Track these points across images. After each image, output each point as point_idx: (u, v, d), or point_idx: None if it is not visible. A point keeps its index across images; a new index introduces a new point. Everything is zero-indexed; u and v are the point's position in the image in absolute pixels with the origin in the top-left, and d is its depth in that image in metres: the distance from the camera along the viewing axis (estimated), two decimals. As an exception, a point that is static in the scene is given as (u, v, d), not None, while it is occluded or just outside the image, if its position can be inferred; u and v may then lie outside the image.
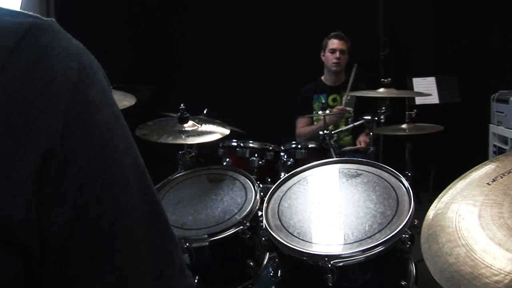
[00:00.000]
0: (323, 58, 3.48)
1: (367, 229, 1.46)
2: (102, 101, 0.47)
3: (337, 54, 3.37)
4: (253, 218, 1.82)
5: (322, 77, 3.55)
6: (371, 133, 2.65)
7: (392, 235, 1.39)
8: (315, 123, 3.45)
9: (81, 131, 0.43)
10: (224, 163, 2.48)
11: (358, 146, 3.15)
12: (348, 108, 3.31)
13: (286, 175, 1.83)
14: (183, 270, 0.52)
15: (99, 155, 0.44)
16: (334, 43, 3.39)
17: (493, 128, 3.69)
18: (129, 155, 0.48)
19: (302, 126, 3.48)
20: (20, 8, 3.63)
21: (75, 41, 0.48)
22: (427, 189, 4.10)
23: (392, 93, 2.55)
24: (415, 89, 4.00)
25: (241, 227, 1.76)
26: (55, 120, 0.41)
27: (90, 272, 0.43)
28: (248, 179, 1.99)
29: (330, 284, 1.38)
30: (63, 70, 0.43)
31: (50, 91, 0.42)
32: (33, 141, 0.40)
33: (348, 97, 3.33)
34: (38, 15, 0.46)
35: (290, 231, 1.53)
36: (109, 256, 0.44)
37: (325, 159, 1.98)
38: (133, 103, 1.97)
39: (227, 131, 2.24)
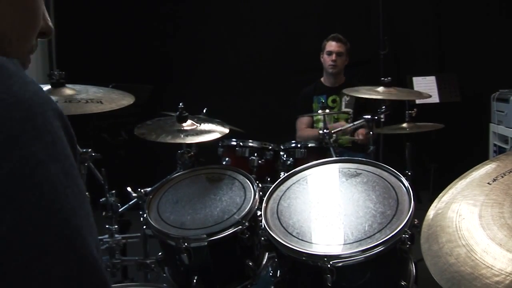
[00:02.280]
0: (321, 59, 3.48)
1: (366, 229, 1.45)
2: (50, 156, 0.44)
3: (334, 56, 3.38)
4: (252, 218, 1.81)
5: (322, 78, 3.55)
6: (371, 133, 2.64)
7: (392, 235, 1.39)
8: (315, 124, 3.45)
9: (12, 191, 0.40)
10: (224, 162, 2.48)
11: (356, 138, 3.13)
12: (349, 110, 3.32)
13: (286, 174, 1.82)
14: None
15: (32, 218, 0.41)
16: (331, 46, 3.40)
17: (494, 127, 3.68)
18: (77, 216, 0.45)
19: (303, 127, 3.48)
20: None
21: (32, 87, 0.45)
22: (427, 188, 4.10)
23: (391, 94, 2.54)
24: (415, 88, 3.99)
25: (240, 227, 1.75)
26: None
27: None
28: (247, 179, 1.98)
29: (329, 284, 1.37)
30: (2, 120, 0.41)
31: None
32: None
33: (348, 98, 3.33)
34: None
35: (289, 231, 1.52)
36: None
37: (325, 158, 1.97)
38: (131, 102, 1.96)
39: (226, 130, 2.24)
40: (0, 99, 0.41)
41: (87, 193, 0.50)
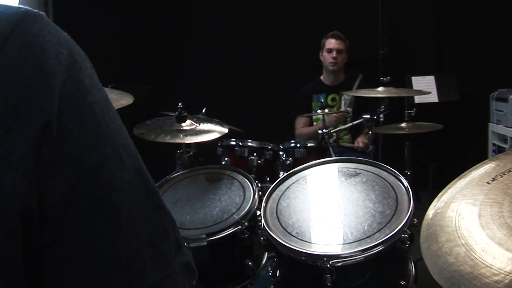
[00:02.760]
0: (321, 57, 3.48)
1: (366, 228, 1.45)
2: (93, 85, 0.49)
3: (334, 53, 3.37)
4: (252, 218, 1.81)
5: (321, 77, 3.55)
6: (370, 132, 2.64)
7: (392, 235, 1.39)
8: (314, 123, 3.45)
9: (74, 108, 0.46)
10: (223, 162, 2.48)
11: (356, 145, 3.14)
12: (347, 109, 3.32)
13: (285, 174, 1.82)
14: (180, 247, 0.54)
15: (93, 131, 0.47)
16: (331, 43, 3.39)
17: (493, 127, 3.68)
18: (121, 135, 0.51)
19: (301, 126, 3.48)
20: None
21: (63, 32, 0.50)
22: (427, 187, 4.10)
23: (391, 92, 2.54)
24: (414, 88, 3.99)
25: (240, 226, 1.75)
26: (50, 96, 0.44)
27: (87, 243, 0.45)
28: (247, 179, 1.98)
29: (329, 284, 1.37)
30: (54, 54, 0.46)
31: (44, 71, 0.45)
32: (32, 117, 0.43)
33: (347, 97, 3.33)
34: (29, 8, 0.49)
35: (289, 230, 1.52)
36: (105, 227, 0.46)
37: (324, 158, 1.97)
38: (131, 102, 1.96)
39: (225, 130, 2.24)
40: (47, 40, 0.46)
41: None
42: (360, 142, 3.13)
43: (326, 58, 3.41)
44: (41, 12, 0.49)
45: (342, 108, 3.39)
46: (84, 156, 0.45)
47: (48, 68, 0.45)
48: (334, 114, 3.18)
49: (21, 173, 0.41)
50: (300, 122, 3.49)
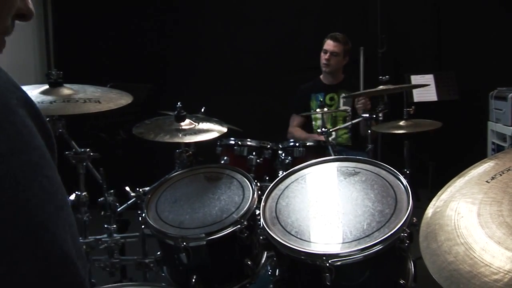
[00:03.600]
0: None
1: (365, 227, 1.45)
2: (12, 149, 0.42)
3: (327, 55, 3.37)
4: (251, 217, 1.81)
5: (321, 76, 3.55)
6: (369, 131, 2.64)
7: (391, 234, 1.38)
8: (313, 122, 3.45)
9: None
10: (222, 161, 2.47)
11: (357, 106, 3.14)
12: (347, 107, 3.32)
13: (284, 173, 1.82)
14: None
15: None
16: (327, 44, 3.40)
17: (492, 126, 3.68)
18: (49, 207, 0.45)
19: (295, 124, 3.49)
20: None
21: (3, 77, 0.44)
22: (426, 186, 4.10)
23: (389, 87, 2.54)
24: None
25: (239, 226, 1.75)
26: None
27: None
28: (246, 178, 1.98)
29: (328, 283, 1.37)
30: None
31: None
32: None
33: (344, 96, 3.34)
34: None
35: (288, 230, 1.52)
36: None
37: (323, 157, 1.97)
38: (130, 102, 1.96)
39: (224, 130, 2.24)
40: None
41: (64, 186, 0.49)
42: (360, 103, 3.12)
43: (321, 58, 3.42)
44: None
45: (341, 108, 3.39)
46: None
47: None
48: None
49: None
50: (295, 120, 3.49)
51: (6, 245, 0.41)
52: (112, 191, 2.18)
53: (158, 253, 1.93)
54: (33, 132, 0.46)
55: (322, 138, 2.58)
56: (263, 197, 1.69)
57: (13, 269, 0.41)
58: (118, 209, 2.20)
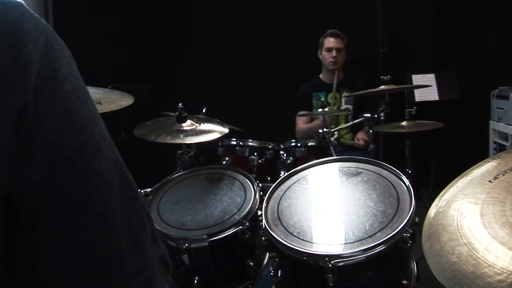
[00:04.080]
0: (320, 56, 3.47)
1: (367, 228, 1.44)
2: (70, 73, 0.49)
3: (334, 53, 3.35)
4: (253, 218, 1.80)
5: (321, 75, 3.54)
6: (370, 131, 2.64)
7: (393, 234, 1.38)
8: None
9: (51, 94, 0.46)
10: (224, 162, 2.47)
11: (356, 142, 3.13)
12: (348, 106, 3.31)
13: (286, 174, 1.81)
14: (156, 239, 0.53)
15: (70, 118, 0.47)
16: (330, 42, 3.37)
17: (493, 125, 3.68)
18: (98, 125, 0.50)
19: (302, 122, 3.48)
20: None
21: (42, 20, 0.50)
22: (427, 186, 4.09)
23: (390, 87, 2.53)
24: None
25: (241, 227, 1.75)
26: (28, 81, 0.44)
27: (63, 231, 0.44)
28: (247, 179, 1.98)
29: (330, 284, 1.36)
30: (32, 41, 0.46)
31: (22, 58, 0.44)
32: (9, 102, 0.42)
33: (346, 96, 3.33)
34: None
35: (290, 230, 1.52)
36: (82, 215, 0.45)
37: (325, 157, 1.96)
38: (131, 103, 1.95)
39: (226, 130, 2.23)
40: (25, 27, 0.46)
41: None
42: (360, 139, 3.12)
43: (326, 57, 3.40)
44: (20, 1, 0.49)
45: (343, 107, 3.39)
46: (60, 143, 0.45)
47: (25, 55, 0.45)
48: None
49: (1, 158, 0.41)
50: (301, 119, 3.48)
51: (78, 144, 0.47)
52: (113, 192, 2.17)
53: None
54: (75, 65, 0.53)
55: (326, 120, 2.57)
56: (265, 198, 1.68)
57: (106, 180, 0.48)
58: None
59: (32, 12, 0.49)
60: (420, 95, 3.96)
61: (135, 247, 0.49)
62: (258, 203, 1.84)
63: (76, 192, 0.45)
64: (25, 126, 0.43)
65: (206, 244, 1.74)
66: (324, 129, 2.55)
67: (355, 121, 2.88)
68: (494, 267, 0.81)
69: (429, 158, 4.21)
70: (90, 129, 0.48)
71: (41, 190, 0.43)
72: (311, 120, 3.46)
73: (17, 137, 0.42)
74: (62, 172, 0.44)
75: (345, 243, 1.42)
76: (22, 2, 0.49)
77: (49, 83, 0.46)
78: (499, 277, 0.79)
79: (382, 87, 2.54)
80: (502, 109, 3.51)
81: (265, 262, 1.91)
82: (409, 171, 2.54)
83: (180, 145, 2.29)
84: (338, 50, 3.36)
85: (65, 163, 0.45)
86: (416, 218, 1.49)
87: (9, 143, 0.42)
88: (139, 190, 1.78)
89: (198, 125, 2.21)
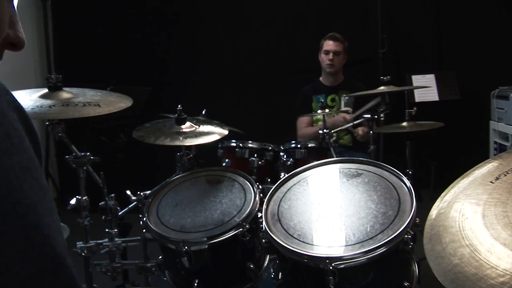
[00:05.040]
0: (319, 58, 3.48)
1: (368, 230, 1.43)
2: (5, 149, 0.43)
3: (331, 56, 3.37)
4: (253, 220, 1.79)
5: (321, 78, 3.55)
6: (371, 132, 2.63)
7: (394, 236, 1.37)
8: (314, 124, 3.44)
9: None
10: (224, 164, 2.47)
11: (355, 134, 3.13)
12: (347, 108, 3.31)
13: (286, 175, 1.80)
14: None
15: None
16: (328, 45, 3.39)
17: (494, 125, 3.67)
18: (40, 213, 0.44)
19: (304, 126, 3.47)
20: (16, 9, 3.60)
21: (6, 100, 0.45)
22: (428, 186, 4.09)
23: (390, 88, 2.53)
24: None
25: (241, 229, 1.74)
26: None
27: None
28: (247, 180, 1.97)
29: (331, 287, 1.36)
30: None
31: None
32: None
33: (347, 98, 3.32)
34: None
35: (290, 233, 1.51)
36: None
37: (325, 158, 1.95)
38: (130, 105, 1.94)
39: (225, 132, 2.22)
40: None
41: (51, 189, 0.49)
42: (359, 130, 3.11)
43: (324, 60, 3.41)
44: None
45: (342, 109, 3.38)
46: None
47: None
48: (339, 116, 3.16)
49: None
50: (303, 122, 3.48)
51: None
52: (113, 195, 2.16)
53: (160, 257, 1.92)
54: (22, 135, 0.46)
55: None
56: (265, 200, 1.67)
57: (5, 270, 0.41)
58: (119, 213, 2.19)
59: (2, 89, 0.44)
60: (420, 96, 3.96)
61: None
62: (258, 205, 1.83)
63: None
64: None
65: (206, 246, 1.73)
66: (324, 130, 2.54)
67: (355, 122, 2.87)
68: (497, 269, 0.81)
69: (430, 158, 4.20)
70: (13, 225, 0.42)
71: None
72: (313, 121, 3.46)
73: None
74: None
75: (346, 245, 1.41)
76: None
77: None
78: (502, 279, 0.79)
79: (382, 88, 2.53)
80: (502, 109, 3.51)
81: (265, 264, 1.90)
82: (410, 172, 2.53)
83: (179, 147, 2.28)
84: (335, 53, 3.37)
85: None
86: (417, 218, 1.48)
87: None
88: (138, 192, 1.75)
89: (197, 127, 2.20)
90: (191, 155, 2.32)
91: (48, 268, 0.45)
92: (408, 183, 1.56)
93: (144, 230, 1.93)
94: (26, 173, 0.44)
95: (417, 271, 1.57)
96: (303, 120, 3.47)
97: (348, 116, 3.15)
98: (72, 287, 0.47)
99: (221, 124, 2.32)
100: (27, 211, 0.43)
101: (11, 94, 0.46)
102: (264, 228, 1.56)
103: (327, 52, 3.39)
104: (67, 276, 0.46)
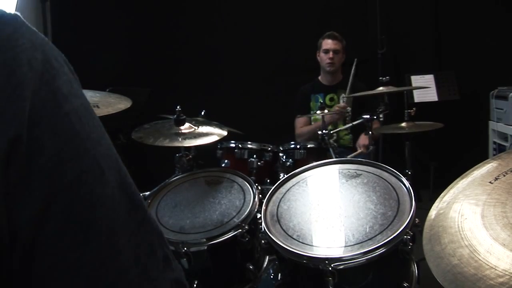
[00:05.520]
0: (318, 58, 3.48)
1: (368, 230, 1.43)
2: (70, 92, 0.46)
3: (331, 54, 3.36)
4: (252, 221, 1.79)
5: (319, 77, 3.54)
6: (370, 132, 2.63)
7: (394, 237, 1.37)
8: (312, 122, 3.44)
9: (49, 119, 0.42)
10: (223, 165, 2.47)
11: (359, 151, 3.12)
12: (347, 108, 3.31)
13: (285, 176, 1.80)
14: (169, 262, 0.50)
15: (70, 144, 0.43)
16: (327, 43, 3.38)
17: (493, 125, 3.67)
18: (102, 146, 0.47)
19: (301, 125, 3.47)
20: (15, 11, 3.61)
21: (40, 35, 0.47)
22: (427, 187, 4.09)
23: (389, 88, 2.53)
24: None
25: (240, 230, 1.74)
26: (21, 106, 0.41)
27: (65, 265, 0.41)
28: (246, 181, 1.97)
29: (331, 287, 1.35)
30: (27, 60, 0.43)
31: (15, 80, 0.41)
32: (1, 129, 0.39)
33: (345, 98, 3.32)
34: (3, 9, 0.45)
35: (290, 233, 1.51)
36: (84, 248, 0.42)
37: (324, 159, 1.95)
38: (129, 106, 1.94)
39: (224, 133, 2.22)
40: (20, 44, 0.43)
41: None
42: (361, 146, 3.10)
43: (323, 59, 3.41)
44: (16, 13, 0.46)
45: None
46: (59, 171, 0.41)
47: (19, 76, 0.41)
48: (334, 112, 3.17)
49: None
50: (300, 122, 3.48)
51: (83, 170, 0.44)
52: (112, 196, 2.16)
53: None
54: (77, 82, 0.50)
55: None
56: (264, 201, 1.67)
57: (90, 191, 0.44)
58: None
59: (29, 25, 0.46)
60: (419, 96, 3.96)
61: (143, 275, 0.46)
62: (257, 206, 1.83)
63: (77, 224, 0.42)
64: (19, 157, 0.40)
65: (205, 247, 1.73)
66: (324, 131, 2.54)
67: (354, 123, 2.87)
68: (496, 269, 0.81)
69: (429, 159, 4.20)
70: (92, 153, 0.45)
71: (37, 225, 0.40)
72: (310, 122, 3.46)
73: (9, 170, 0.39)
74: (61, 204, 0.41)
75: (345, 246, 1.41)
76: (18, 14, 0.46)
77: (47, 107, 0.43)
78: (501, 279, 0.78)
79: (381, 88, 2.53)
80: (502, 109, 3.51)
81: (264, 265, 1.90)
82: (409, 172, 2.53)
83: (178, 148, 2.28)
84: (335, 51, 3.37)
85: (64, 193, 0.42)
86: (416, 219, 1.48)
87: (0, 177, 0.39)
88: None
89: (196, 127, 2.20)
90: (190, 156, 2.32)
91: (130, 186, 0.49)
92: (407, 183, 1.56)
93: (143, 231, 1.92)
94: (87, 114, 0.47)
95: (416, 271, 1.58)
96: (301, 119, 3.48)
97: (341, 105, 3.15)
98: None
99: (220, 125, 2.32)
100: (96, 144, 0.46)
101: (59, 50, 0.49)
102: (263, 229, 1.56)
103: (326, 51, 3.39)
104: (142, 201, 0.50)
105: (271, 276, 1.83)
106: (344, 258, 1.38)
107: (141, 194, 1.66)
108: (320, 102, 2.88)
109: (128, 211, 0.47)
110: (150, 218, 0.50)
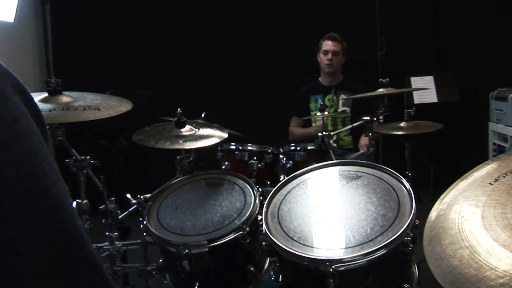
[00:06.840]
0: (318, 59, 3.48)
1: (368, 232, 1.44)
2: (11, 136, 0.41)
3: (329, 55, 3.37)
4: (253, 223, 1.80)
5: (319, 78, 3.55)
6: (370, 134, 2.63)
7: (394, 238, 1.37)
8: (313, 124, 3.45)
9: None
10: (223, 167, 2.47)
11: (361, 151, 3.12)
12: (346, 109, 3.32)
13: (286, 178, 1.81)
14: None
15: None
16: (327, 45, 3.39)
17: (493, 126, 3.68)
18: (45, 203, 0.42)
19: (294, 125, 3.50)
20: (15, 14, 3.62)
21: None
22: (427, 188, 4.09)
23: (389, 90, 2.53)
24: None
25: (241, 232, 1.74)
26: None
27: None
28: (247, 183, 1.97)
29: (332, 289, 1.36)
30: None
31: None
32: None
33: (345, 97, 3.34)
34: None
35: (291, 235, 1.51)
36: None
37: (325, 161, 1.96)
38: (129, 108, 1.95)
39: (225, 135, 2.23)
40: None
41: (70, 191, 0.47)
42: (363, 146, 3.11)
43: (322, 60, 3.42)
44: None
45: (340, 109, 3.40)
46: None
47: None
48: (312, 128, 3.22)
49: None
50: (294, 121, 3.51)
51: (11, 236, 0.39)
52: (113, 198, 2.17)
53: (160, 260, 1.92)
54: (29, 118, 0.44)
55: (318, 127, 2.55)
56: (265, 203, 1.68)
57: (20, 260, 0.40)
58: (119, 217, 2.19)
59: None
60: (419, 97, 3.97)
61: None
62: (258, 208, 1.83)
63: None
64: None
65: (206, 249, 1.73)
66: (324, 133, 2.55)
67: (354, 124, 2.87)
68: (496, 270, 0.81)
69: (429, 160, 4.21)
70: (36, 202, 0.41)
71: None
72: (308, 122, 3.47)
73: None
74: None
75: (346, 248, 1.41)
76: None
77: None
78: (502, 280, 0.79)
79: (381, 90, 2.54)
80: (501, 110, 3.51)
81: (265, 267, 1.90)
82: (409, 174, 2.53)
83: (179, 151, 2.28)
84: (334, 53, 3.37)
85: None
86: (417, 220, 1.49)
87: None
88: (138, 195, 1.72)
89: (197, 130, 2.21)
90: (191, 158, 2.32)
91: (65, 252, 0.43)
92: (407, 185, 1.56)
93: (144, 234, 1.93)
94: (38, 158, 0.42)
95: (417, 273, 1.58)
96: (296, 119, 3.50)
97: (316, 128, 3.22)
98: (92, 273, 0.46)
99: (221, 127, 2.32)
100: (40, 197, 0.41)
101: (15, 77, 0.45)
102: (264, 231, 1.57)
103: (326, 52, 3.40)
104: (86, 259, 0.45)
105: (272, 278, 1.83)
106: (344, 260, 1.38)
107: (142, 197, 1.62)
108: (320, 104, 2.89)
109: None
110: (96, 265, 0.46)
